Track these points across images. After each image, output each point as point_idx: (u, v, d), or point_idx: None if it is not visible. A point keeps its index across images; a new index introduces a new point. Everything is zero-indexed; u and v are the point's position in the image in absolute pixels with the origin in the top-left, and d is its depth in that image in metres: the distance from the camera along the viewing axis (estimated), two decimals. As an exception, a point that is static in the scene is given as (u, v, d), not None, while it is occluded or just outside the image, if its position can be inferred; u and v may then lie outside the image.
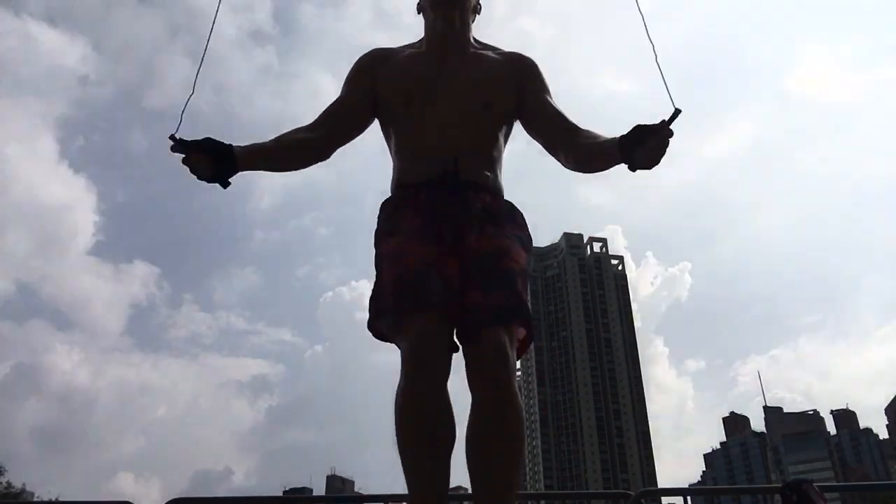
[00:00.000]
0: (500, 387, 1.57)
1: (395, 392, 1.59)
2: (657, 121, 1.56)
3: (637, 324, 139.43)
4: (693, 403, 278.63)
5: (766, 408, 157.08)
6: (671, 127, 1.55)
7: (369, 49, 2.00)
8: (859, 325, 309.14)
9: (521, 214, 1.90)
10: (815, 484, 2.80)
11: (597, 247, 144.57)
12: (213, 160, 1.65)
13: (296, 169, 1.88)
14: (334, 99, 1.94)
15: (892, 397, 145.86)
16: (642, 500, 3.32)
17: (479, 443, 1.56)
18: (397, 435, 1.57)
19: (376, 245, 1.83)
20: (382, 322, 1.71)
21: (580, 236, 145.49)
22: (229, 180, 1.70)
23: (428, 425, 1.55)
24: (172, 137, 1.62)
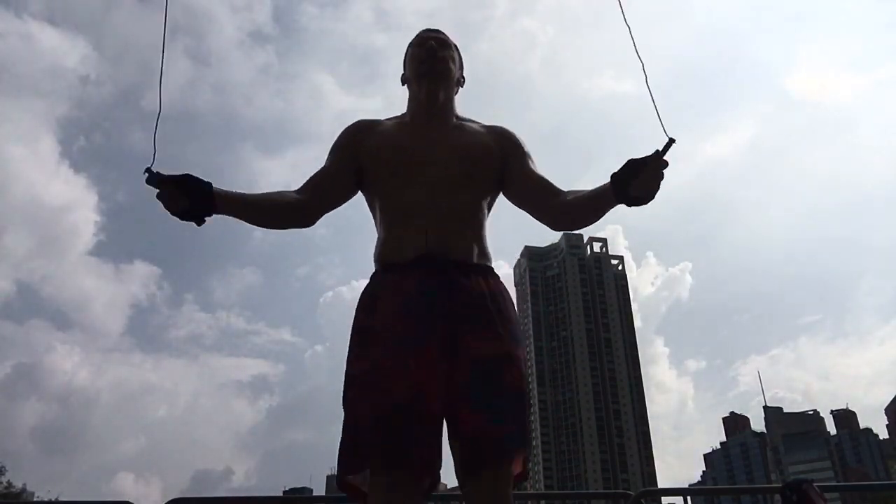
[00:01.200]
0: None
1: None
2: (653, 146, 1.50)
3: (637, 324, 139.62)
4: (693, 403, 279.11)
5: (766, 408, 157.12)
6: (665, 157, 1.48)
7: (355, 121, 1.99)
8: (859, 325, 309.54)
9: (510, 297, 1.82)
10: (815, 484, 2.81)
11: (597, 247, 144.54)
12: (189, 197, 1.58)
13: (274, 227, 1.84)
14: (320, 168, 1.92)
15: (892, 397, 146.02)
16: (642, 500, 3.32)
17: None
18: None
19: (349, 356, 1.68)
20: (354, 478, 1.58)
21: (580, 236, 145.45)
22: (205, 219, 1.62)
23: None
24: (148, 170, 1.56)
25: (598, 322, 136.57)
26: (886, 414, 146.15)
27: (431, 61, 1.91)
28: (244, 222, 1.76)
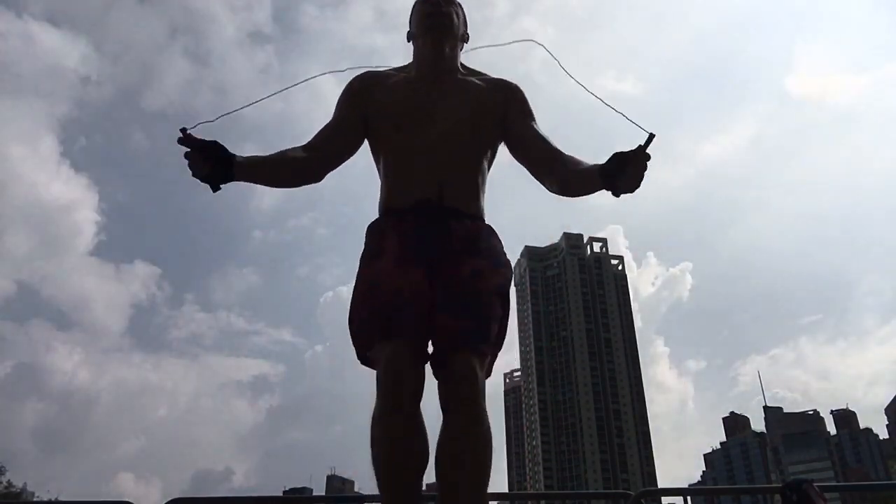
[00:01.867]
0: (468, 405, 1.66)
1: (371, 414, 1.69)
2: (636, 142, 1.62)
3: (638, 324, 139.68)
4: (693, 403, 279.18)
5: (766, 408, 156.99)
6: (647, 151, 1.61)
7: (361, 72, 2.07)
8: (859, 325, 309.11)
9: (499, 239, 1.97)
10: (815, 484, 2.80)
11: (597, 247, 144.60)
12: (213, 163, 1.70)
13: (287, 186, 1.98)
14: (326, 122, 2.00)
15: (892, 397, 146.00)
16: (642, 500, 3.31)
17: (447, 460, 1.65)
18: (373, 456, 1.66)
19: (360, 267, 1.90)
20: (371, 353, 1.78)
21: (580, 236, 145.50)
22: (220, 186, 1.74)
23: (402, 447, 1.64)
24: (183, 130, 1.67)
25: (598, 322, 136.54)
26: (886, 414, 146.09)
27: (437, 16, 1.99)
28: (260, 185, 1.87)
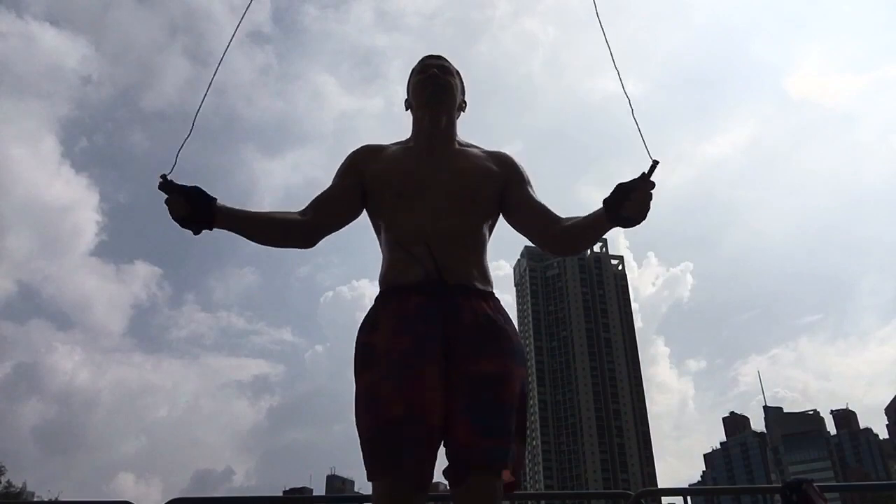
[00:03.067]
0: None
1: None
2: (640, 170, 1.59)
3: (638, 324, 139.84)
4: (693, 403, 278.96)
5: (766, 408, 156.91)
6: (652, 179, 1.59)
7: (361, 145, 2.06)
8: (859, 325, 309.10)
9: (510, 319, 1.88)
10: (815, 484, 2.80)
11: (597, 247, 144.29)
12: (192, 207, 1.68)
13: (275, 245, 1.89)
14: (324, 189, 1.98)
15: (892, 397, 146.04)
16: (642, 500, 3.32)
17: None
18: None
19: (355, 371, 1.78)
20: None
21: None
22: (202, 229, 1.72)
23: None
24: (163, 177, 1.69)
25: (598, 322, 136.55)
26: (886, 414, 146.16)
27: (434, 89, 1.98)
28: (244, 238, 1.81)
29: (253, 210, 1.82)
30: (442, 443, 1.68)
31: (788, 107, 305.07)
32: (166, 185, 1.69)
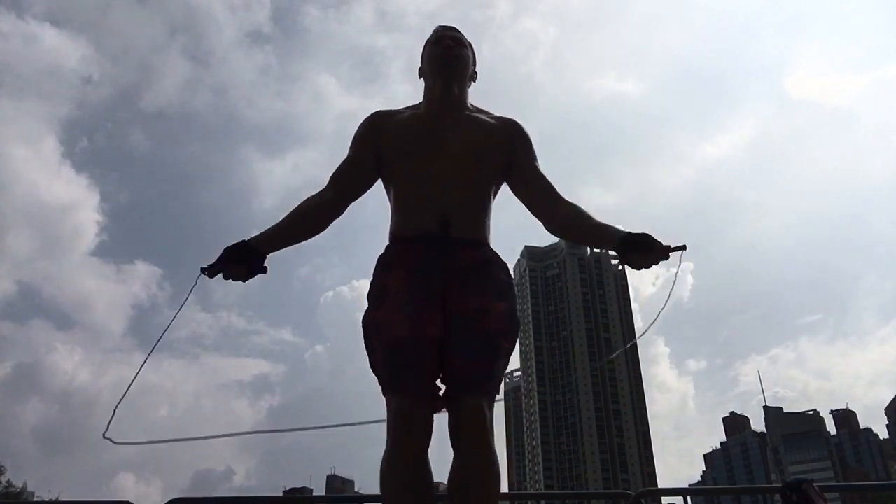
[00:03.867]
0: (477, 447, 1.80)
1: (382, 453, 1.84)
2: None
3: (638, 324, 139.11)
4: (694, 403, 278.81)
5: (766, 408, 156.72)
6: (671, 254, 1.85)
7: (374, 111, 2.20)
8: (859, 325, 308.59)
9: (505, 267, 2.06)
10: (815, 484, 2.80)
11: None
12: (241, 261, 1.88)
13: (315, 234, 2.08)
14: (342, 160, 2.14)
15: (892, 397, 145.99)
16: (642, 500, 3.31)
17: (458, 497, 1.80)
18: (382, 493, 1.82)
19: (367, 307, 1.99)
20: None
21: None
22: (265, 265, 1.92)
23: (411, 489, 1.80)
24: (202, 270, 1.85)
25: (598, 322, 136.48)
26: (886, 414, 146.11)
27: (447, 57, 2.12)
28: (292, 246, 2.04)
29: (282, 221, 2.01)
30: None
31: (788, 107, 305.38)
32: (211, 272, 1.85)
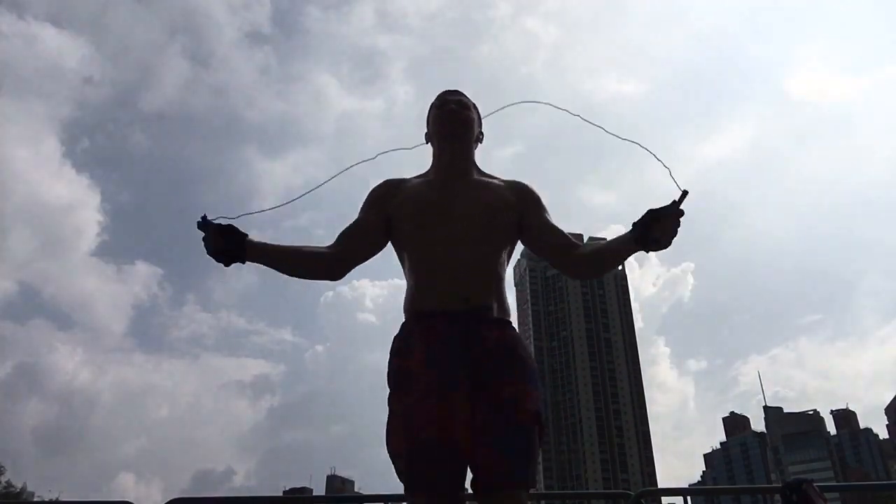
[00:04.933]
0: None
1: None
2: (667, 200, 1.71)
3: (639, 324, 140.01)
4: (694, 403, 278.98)
5: (766, 408, 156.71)
6: (681, 207, 1.72)
7: (384, 180, 2.17)
8: (859, 325, 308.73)
9: (526, 343, 2.00)
10: (815, 484, 2.80)
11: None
12: (225, 241, 1.86)
13: (302, 277, 2.04)
14: (350, 223, 2.10)
15: (892, 397, 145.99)
16: (642, 500, 3.32)
17: None
18: None
19: (390, 394, 1.89)
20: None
21: (580, 236, 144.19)
22: (232, 262, 1.89)
23: None
24: (203, 217, 1.87)
25: (598, 322, 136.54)
26: (886, 414, 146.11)
27: (453, 123, 2.12)
28: (274, 270, 1.97)
29: (283, 244, 1.97)
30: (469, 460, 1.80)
31: (788, 107, 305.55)
32: (205, 224, 1.86)
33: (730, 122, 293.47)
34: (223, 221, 1.88)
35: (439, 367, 1.82)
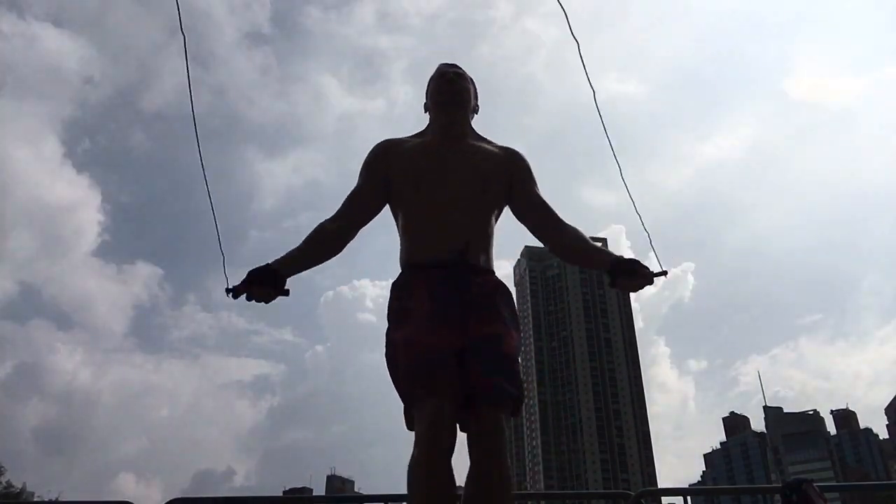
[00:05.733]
0: (495, 459, 1.89)
1: (409, 459, 1.89)
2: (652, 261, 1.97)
3: (639, 324, 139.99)
4: (694, 403, 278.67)
5: (766, 408, 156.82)
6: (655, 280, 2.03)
7: (382, 140, 2.33)
8: (859, 325, 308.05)
9: (510, 293, 2.19)
10: (815, 484, 2.80)
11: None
12: (265, 284, 1.98)
13: (331, 257, 2.19)
14: (352, 189, 2.26)
15: (892, 397, 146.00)
16: (642, 500, 3.32)
17: (475, 500, 1.86)
18: (409, 496, 1.87)
19: (389, 327, 2.08)
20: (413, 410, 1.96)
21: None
22: (287, 288, 2.02)
23: (437, 492, 1.85)
24: (227, 290, 1.96)
25: (598, 322, 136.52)
26: (886, 414, 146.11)
27: (450, 91, 2.30)
28: (306, 270, 2.13)
29: (299, 248, 2.11)
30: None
31: (788, 107, 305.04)
32: (235, 294, 1.95)
33: (730, 122, 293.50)
34: (240, 279, 1.95)
35: (436, 302, 2.01)
